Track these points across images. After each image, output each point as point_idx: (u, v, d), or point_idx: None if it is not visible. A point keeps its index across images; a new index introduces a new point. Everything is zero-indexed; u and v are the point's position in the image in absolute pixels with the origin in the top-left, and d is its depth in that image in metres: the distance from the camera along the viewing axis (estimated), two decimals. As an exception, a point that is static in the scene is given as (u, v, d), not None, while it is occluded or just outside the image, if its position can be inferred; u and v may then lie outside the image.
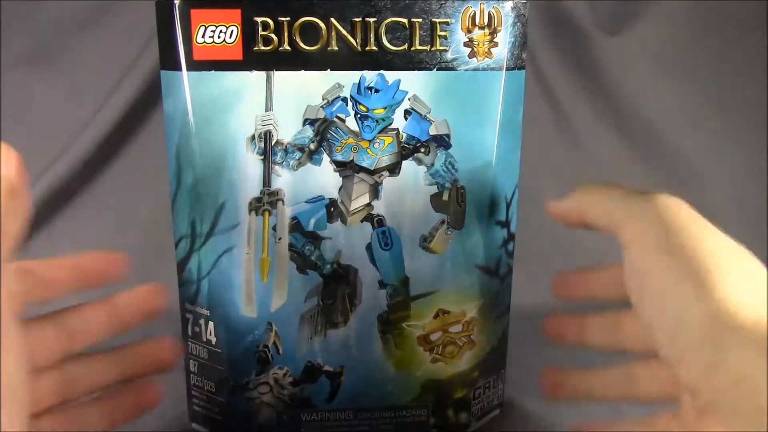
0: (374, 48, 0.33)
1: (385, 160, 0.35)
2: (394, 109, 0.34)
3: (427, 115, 0.35)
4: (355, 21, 0.33)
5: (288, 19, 0.32)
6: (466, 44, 0.34)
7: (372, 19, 0.33)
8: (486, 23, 0.34)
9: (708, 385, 0.23)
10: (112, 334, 0.32)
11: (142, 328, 0.33)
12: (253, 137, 0.34)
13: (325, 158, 0.35)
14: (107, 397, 0.33)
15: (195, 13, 0.32)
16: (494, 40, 0.34)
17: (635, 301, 0.28)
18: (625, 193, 0.29)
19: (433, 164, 0.35)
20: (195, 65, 0.33)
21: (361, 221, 0.36)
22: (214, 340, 0.37)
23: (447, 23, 0.33)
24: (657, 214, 0.27)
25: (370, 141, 0.35)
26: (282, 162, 0.34)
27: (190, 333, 0.38)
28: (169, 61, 0.33)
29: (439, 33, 0.33)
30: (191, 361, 0.39)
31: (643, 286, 0.27)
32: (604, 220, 0.29)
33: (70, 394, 0.31)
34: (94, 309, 0.32)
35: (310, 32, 0.33)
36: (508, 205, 0.38)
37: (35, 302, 0.28)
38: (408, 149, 0.35)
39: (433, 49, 0.33)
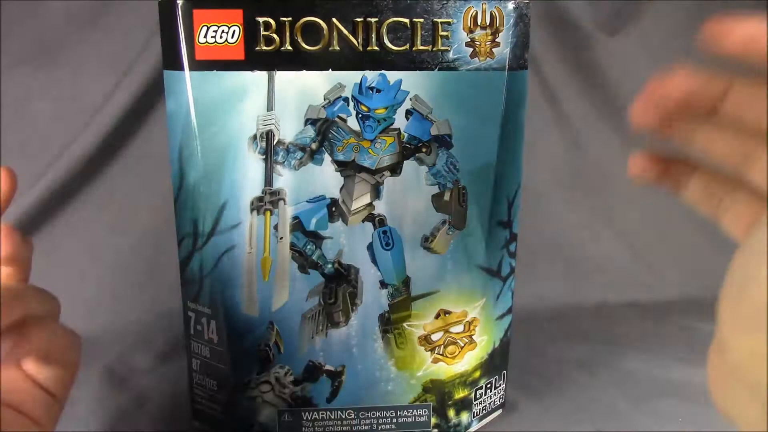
0: (376, 48, 0.33)
1: (387, 160, 0.35)
2: (396, 109, 0.34)
3: (429, 115, 0.35)
4: (357, 21, 0.33)
5: (290, 19, 0.32)
6: (468, 44, 0.34)
7: (373, 19, 0.33)
8: (488, 23, 0.34)
9: None
10: None
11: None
12: (254, 137, 0.34)
13: (327, 158, 0.35)
14: None
15: (197, 13, 0.32)
16: (496, 40, 0.34)
17: None
18: None
19: (434, 164, 0.35)
20: (197, 65, 0.33)
21: (363, 221, 0.36)
22: (215, 338, 0.37)
23: (449, 23, 0.33)
24: None
25: (371, 141, 0.35)
26: (283, 162, 0.34)
27: (192, 331, 0.38)
28: (171, 60, 0.33)
29: (441, 33, 0.33)
30: (193, 359, 0.39)
31: None
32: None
33: None
34: None
35: (311, 32, 0.33)
36: (510, 206, 0.38)
37: None
38: (409, 149, 0.35)
39: (434, 49, 0.34)
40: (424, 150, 0.35)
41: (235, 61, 0.33)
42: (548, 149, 0.70)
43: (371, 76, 0.34)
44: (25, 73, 0.62)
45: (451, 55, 0.34)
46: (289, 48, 0.33)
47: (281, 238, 0.35)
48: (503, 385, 0.42)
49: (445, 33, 0.33)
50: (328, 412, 0.38)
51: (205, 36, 0.32)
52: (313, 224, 0.35)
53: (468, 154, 0.35)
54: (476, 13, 0.33)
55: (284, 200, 0.35)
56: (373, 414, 0.39)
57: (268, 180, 0.35)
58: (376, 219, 0.36)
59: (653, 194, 0.71)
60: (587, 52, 0.68)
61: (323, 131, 0.34)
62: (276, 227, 0.35)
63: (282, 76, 0.33)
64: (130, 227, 0.64)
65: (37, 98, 0.63)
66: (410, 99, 0.34)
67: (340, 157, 0.35)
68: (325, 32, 0.33)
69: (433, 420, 0.39)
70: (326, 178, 0.35)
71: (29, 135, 0.63)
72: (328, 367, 0.38)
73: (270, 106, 0.34)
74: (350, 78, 0.34)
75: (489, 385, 0.41)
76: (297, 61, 0.33)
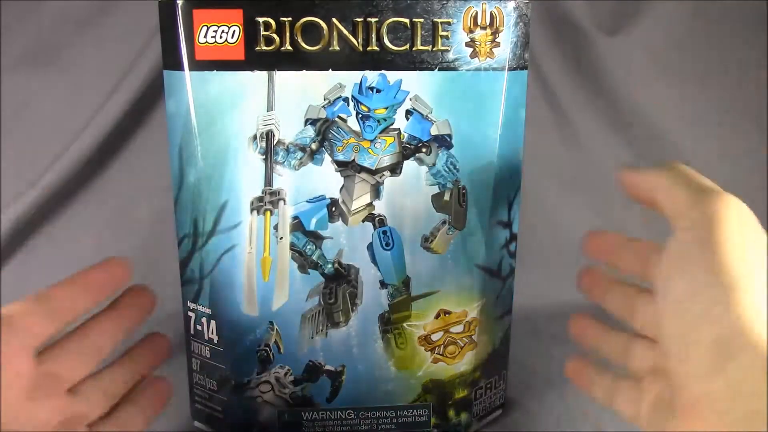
0: (376, 48, 0.33)
1: (387, 160, 0.35)
2: (396, 109, 0.34)
3: (429, 116, 0.35)
4: (357, 21, 0.33)
5: (290, 19, 0.32)
6: (468, 44, 0.34)
7: (373, 19, 0.33)
8: (488, 23, 0.34)
9: (705, 387, 0.24)
10: (120, 340, 0.33)
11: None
12: (254, 137, 0.34)
13: (327, 158, 0.35)
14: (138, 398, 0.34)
15: (197, 13, 0.32)
16: (496, 40, 0.34)
17: (662, 283, 0.27)
18: (698, 187, 0.29)
19: (434, 164, 0.35)
20: (197, 65, 0.33)
21: (363, 221, 0.36)
22: (215, 338, 0.37)
23: (449, 23, 0.33)
24: (717, 213, 0.27)
25: (371, 141, 0.35)
26: (283, 162, 0.34)
27: (192, 331, 0.38)
28: (171, 60, 0.33)
29: (441, 33, 0.33)
30: (193, 359, 0.39)
31: (674, 275, 0.27)
32: (668, 207, 0.29)
33: (102, 409, 0.31)
34: (106, 319, 0.32)
35: (311, 32, 0.33)
36: (510, 206, 0.38)
37: (59, 322, 0.29)
38: (409, 149, 0.35)
39: (434, 49, 0.34)
40: (424, 150, 0.35)
41: (235, 61, 0.33)
42: (548, 149, 0.70)
43: (371, 76, 0.34)
44: (25, 73, 0.62)
45: (451, 55, 0.34)
46: (289, 48, 0.33)
47: (281, 238, 0.35)
48: (503, 385, 0.42)
49: (445, 33, 0.33)
50: (328, 412, 0.38)
51: (205, 36, 0.32)
52: (313, 224, 0.35)
53: (468, 154, 0.35)
54: (476, 13, 0.33)
55: (284, 200, 0.35)
56: (373, 414, 0.39)
57: (268, 180, 0.35)
58: (376, 219, 0.36)
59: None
60: (587, 52, 0.68)
61: (323, 131, 0.34)
62: (276, 227, 0.35)
63: (282, 76, 0.33)
64: (130, 227, 0.64)
65: (37, 98, 0.63)
66: (410, 99, 0.34)
67: (340, 157, 0.35)
68: (325, 32, 0.33)
69: (433, 420, 0.39)
70: (326, 178, 0.35)
71: (29, 135, 0.63)
72: (328, 367, 0.38)
73: (270, 106, 0.34)
74: (350, 78, 0.34)
75: (489, 385, 0.41)
76: (297, 61, 0.33)
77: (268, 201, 0.35)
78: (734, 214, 0.27)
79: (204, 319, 0.37)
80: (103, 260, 0.33)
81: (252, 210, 0.35)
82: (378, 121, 0.35)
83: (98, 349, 0.31)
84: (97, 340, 0.31)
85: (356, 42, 0.33)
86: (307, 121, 0.34)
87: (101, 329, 0.32)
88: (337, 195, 0.35)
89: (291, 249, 0.35)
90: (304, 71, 0.33)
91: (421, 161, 0.35)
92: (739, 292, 0.24)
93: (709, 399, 0.24)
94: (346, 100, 0.34)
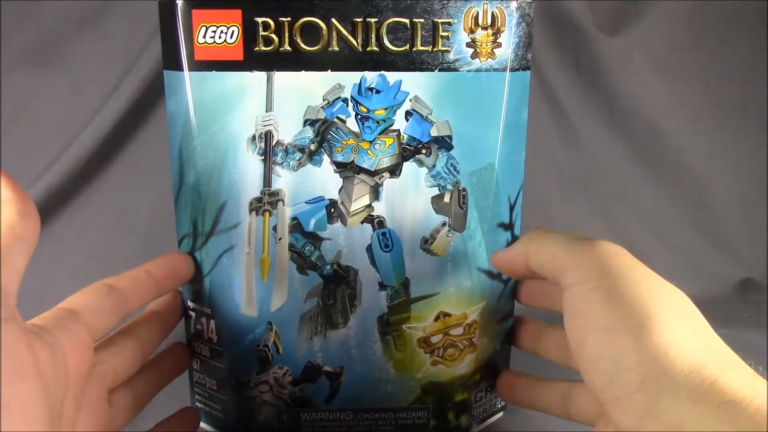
0: (375, 48, 0.33)
1: (386, 162, 0.35)
2: (395, 110, 0.34)
3: (429, 117, 0.34)
4: (356, 21, 0.33)
5: (289, 19, 0.32)
6: (468, 45, 0.34)
7: (373, 20, 0.33)
8: (489, 23, 0.34)
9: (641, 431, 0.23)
10: (160, 344, 0.34)
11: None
12: (253, 137, 0.34)
13: (326, 159, 0.35)
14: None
15: (196, 14, 0.32)
16: (498, 40, 0.34)
17: (574, 342, 0.27)
18: (567, 238, 0.29)
19: (434, 166, 0.35)
20: (196, 65, 0.33)
21: (362, 222, 0.36)
22: (215, 338, 0.37)
23: (449, 23, 0.33)
24: (599, 259, 0.27)
25: (370, 142, 0.35)
26: (282, 162, 0.34)
27: (192, 331, 0.38)
28: (171, 61, 0.33)
29: (442, 33, 0.33)
30: (194, 358, 0.39)
31: (583, 328, 0.26)
32: (548, 266, 0.29)
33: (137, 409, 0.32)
34: (151, 321, 0.32)
35: (310, 32, 0.33)
36: (512, 207, 0.37)
37: (122, 317, 0.28)
38: (409, 150, 0.35)
39: (435, 49, 0.33)
40: (423, 151, 0.35)
41: (234, 61, 0.33)
42: (548, 149, 0.70)
43: (371, 76, 0.34)
44: (25, 73, 0.62)
45: (451, 56, 0.34)
46: (288, 48, 0.33)
47: (280, 239, 0.35)
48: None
49: (445, 33, 0.33)
50: (327, 413, 0.38)
51: (204, 36, 0.32)
52: (312, 225, 0.35)
53: (468, 156, 0.35)
54: (477, 13, 0.33)
55: (283, 201, 0.35)
56: (372, 415, 0.39)
57: (267, 181, 0.34)
58: (376, 220, 0.36)
59: (653, 194, 0.71)
60: (587, 52, 0.68)
61: (322, 132, 0.34)
62: (275, 228, 0.35)
63: (281, 77, 0.33)
64: (130, 227, 0.64)
65: (37, 98, 0.63)
66: (410, 100, 0.34)
67: (339, 158, 0.35)
68: (324, 32, 0.33)
69: (433, 422, 0.39)
70: (325, 179, 0.35)
71: (29, 135, 0.63)
72: (326, 368, 0.37)
73: (269, 107, 0.34)
74: (349, 78, 0.34)
75: (489, 388, 0.41)
76: (296, 61, 0.33)
77: (266, 202, 0.35)
78: (617, 257, 0.27)
79: (203, 319, 0.37)
80: (166, 254, 0.33)
81: (251, 211, 0.35)
82: (377, 122, 0.34)
83: (142, 351, 0.31)
84: (143, 342, 0.31)
85: (356, 42, 0.33)
86: (306, 121, 0.34)
87: (148, 331, 0.31)
88: (336, 196, 0.35)
89: (290, 250, 0.35)
90: (303, 72, 0.33)
91: (420, 162, 0.35)
92: (652, 329, 0.24)
93: None
94: (345, 100, 0.34)
